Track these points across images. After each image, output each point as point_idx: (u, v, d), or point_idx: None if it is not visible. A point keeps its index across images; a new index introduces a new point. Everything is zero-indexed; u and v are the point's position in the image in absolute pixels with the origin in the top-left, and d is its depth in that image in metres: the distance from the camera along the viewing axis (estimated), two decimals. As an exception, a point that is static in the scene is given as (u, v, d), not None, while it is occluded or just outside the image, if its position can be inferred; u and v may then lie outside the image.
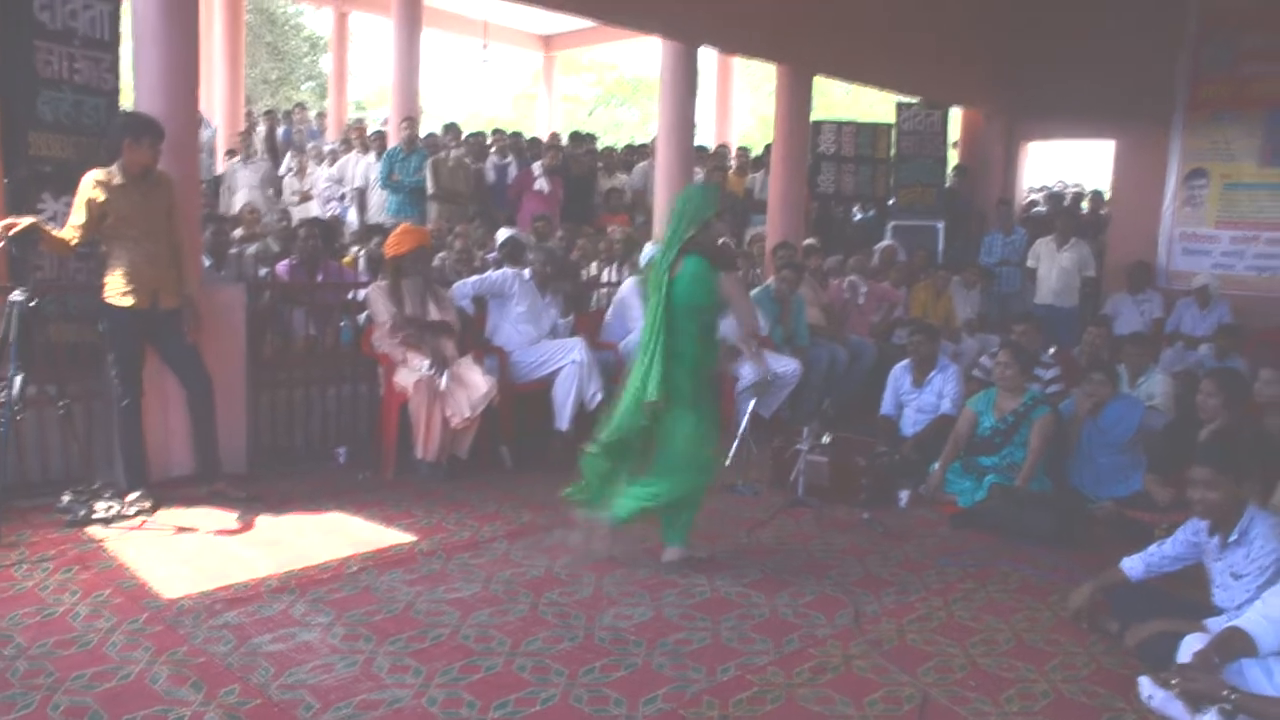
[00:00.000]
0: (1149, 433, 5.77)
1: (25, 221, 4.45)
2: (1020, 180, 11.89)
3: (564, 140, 11.88)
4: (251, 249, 7.38)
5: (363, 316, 6.35)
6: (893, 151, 10.88)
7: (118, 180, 4.69)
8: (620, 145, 13.66)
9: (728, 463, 5.92)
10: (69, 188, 4.80)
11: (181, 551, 4.34)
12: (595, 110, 27.78)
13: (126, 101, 5.55)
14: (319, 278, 6.61)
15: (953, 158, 11.77)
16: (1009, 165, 11.62)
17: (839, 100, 23.34)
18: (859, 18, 9.12)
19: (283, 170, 11.42)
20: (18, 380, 4.36)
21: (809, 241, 8.89)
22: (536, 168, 9.71)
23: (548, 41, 16.58)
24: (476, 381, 5.66)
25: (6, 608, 3.66)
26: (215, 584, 3.96)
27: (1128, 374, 6.54)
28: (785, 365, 6.93)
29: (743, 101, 23.73)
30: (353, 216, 10.03)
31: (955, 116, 11.66)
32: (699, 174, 9.83)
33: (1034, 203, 12.41)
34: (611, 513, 4.34)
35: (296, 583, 4.03)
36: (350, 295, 6.55)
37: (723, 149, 12.70)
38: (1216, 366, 6.81)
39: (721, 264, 4.34)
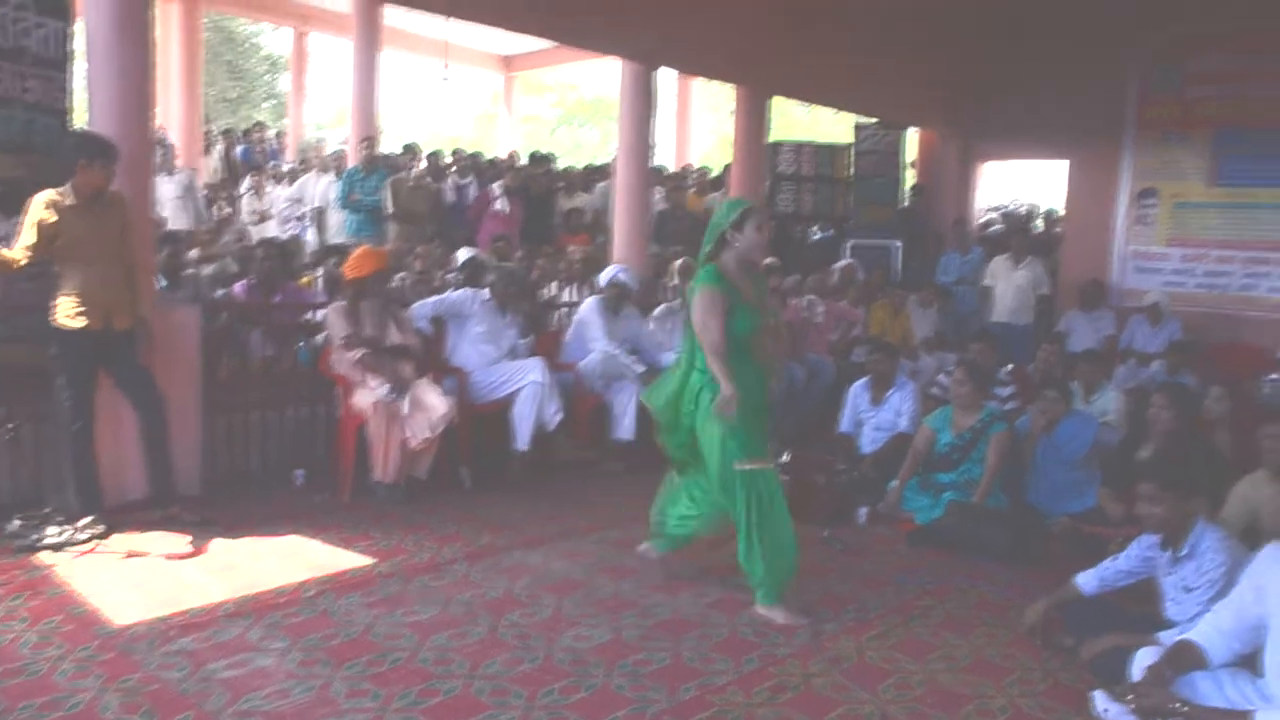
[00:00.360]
0: (1103, 448, 5.85)
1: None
2: (976, 200, 12.04)
3: (523, 160, 11.89)
4: (209, 269, 7.31)
5: (320, 337, 6.30)
6: (851, 171, 10.98)
7: (69, 201, 4.64)
8: (580, 165, 13.69)
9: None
10: (20, 207, 4.73)
11: (134, 577, 4.28)
12: (556, 130, 27.82)
13: (79, 120, 5.49)
14: (276, 298, 6.56)
15: (910, 177, 11.90)
16: (964, 185, 11.77)
17: (799, 120, 23.51)
18: (816, 39, 9.20)
19: (242, 189, 11.33)
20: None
21: (768, 261, 8.92)
22: (496, 188, 9.71)
23: (508, 62, 16.62)
24: (435, 403, 5.63)
25: (-48, 636, 3.59)
26: (168, 609, 3.90)
27: (1081, 391, 6.63)
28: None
29: (703, 121, 23.81)
30: (312, 236, 9.97)
31: (912, 137, 11.80)
32: (658, 194, 9.88)
33: (990, 222, 12.57)
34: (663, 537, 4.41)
35: (252, 607, 3.98)
36: (308, 316, 6.50)
37: (686, 169, 12.76)
38: (1167, 381, 6.91)
39: (731, 276, 4.08)
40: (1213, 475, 4.37)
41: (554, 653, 3.67)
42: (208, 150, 12.92)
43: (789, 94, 10.35)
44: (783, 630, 3.98)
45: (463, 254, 7.93)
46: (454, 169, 10.45)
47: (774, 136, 10.38)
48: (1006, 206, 13.41)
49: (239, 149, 12.83)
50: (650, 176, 8.65)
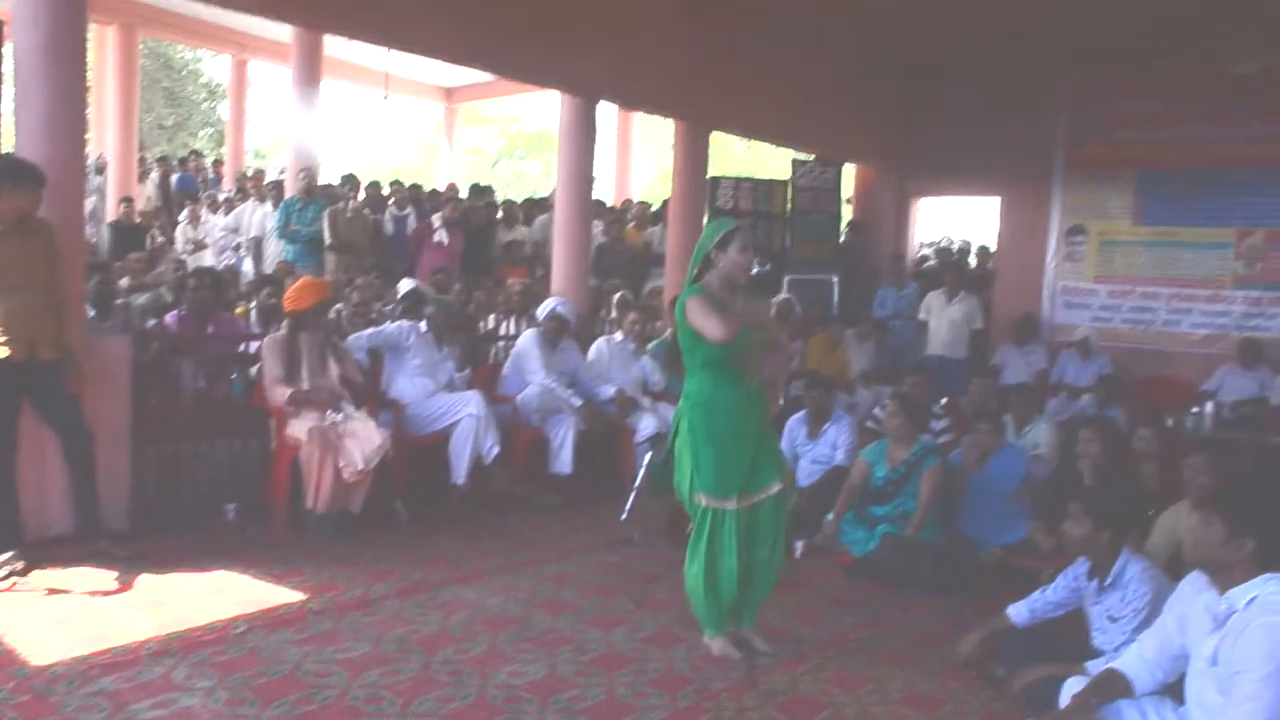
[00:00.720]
0: (1034, 481, 5.94)
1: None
2: (912, 235, 12.25)
3: (463, 192, 11.87)
4: (142, 298, 7.19)
5: (254, 369, 6.22)
6: (789, 207, 11.11)
7: (-8, 227, 4.54)
8: (522, 198, 13.70)
9: (624, 516, 5.92)
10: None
11: (55, 614, 4.16)
12: (499, 162, 27.83)
13: (5, 144, 5.39)
14: (210, 329, 6.46)
15: (847, 213, 12.07)
16: (901, 221, 11.97)
17: (739, 155, 23.78)
18: (755, 76, 9.35)
19: (180, 218, 11.17)
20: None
21: (782, 297, 9.02)
22: (436, 219, 9.68)
23: (449, 94, 16.62)
24: (369, 435, 5.56)
25: None
26: (91, 648, 3.79)
27: (1013, 424, 6.74)
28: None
29: (645, 156, 24.00)
30: (248, 267, 9.85)
31: (850, 173, 11.98)
32: (598, 227, 9.91)
33: (925, 257, 12.78)
34: None
35: (179, 645, 3.88)
36: (242, 347, 6.41)
37: (626, 203, 12.83)
38: (1094, 416, 7.06)
39: (715, 295, 4.00)
40: (1138, 507, 4.47)
41: (487, 689, 3.63)
42: (143, 178, 12.74)
43: (727, 129, 10.46)
44: (718, 664, 3.97)
45: (404, 285, 7.88)
46: (392, 200, 10.40)
47: (713, 172, 10.46)
48: (939, 243, 13.65)
49: (175, 177, 12.66)
50: (590, 210, 8.67)
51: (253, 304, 7.34)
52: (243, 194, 10.83)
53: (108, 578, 4.62)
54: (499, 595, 4.70)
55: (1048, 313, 10.62)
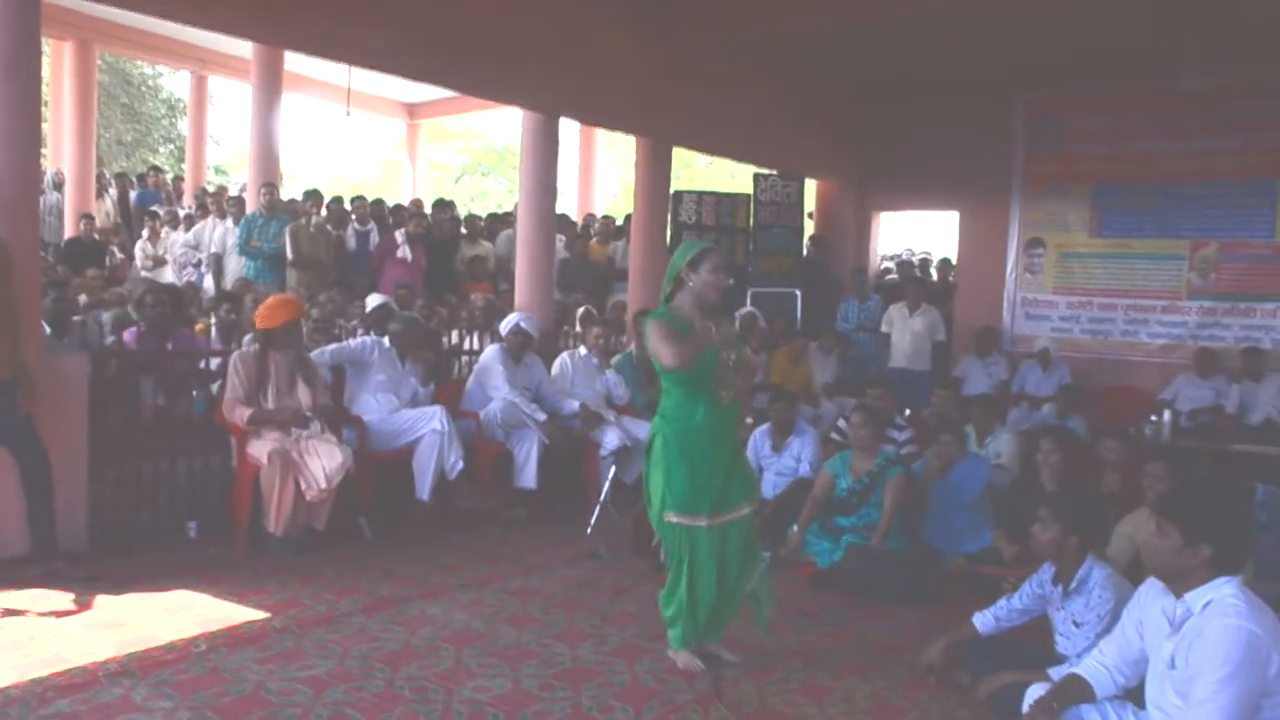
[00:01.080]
0: (996, 490, 6.01)
1: None
2: (874, 249, 12.35)
3: (427, 208, 11.83)
4: (108, 315, 7.12)
5: (215, 386, 6.15)
6: (751, 221, 11.17)
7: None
8: (485, 213, 13.67)
9: (589, 530, 5.92)
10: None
11: (10, 636, 4.09)
12: (462, 178, 27.78)
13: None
14: (169, 346, 6.39)
15: (809, 227, 12.16)
16: (862, 234, 12.08)
17: (702, 171, 23.90)
18: (716, 92, 9.41)
19: (144, 234, 11.05)
20: None
21: (745, 310, 9.04)
22: (399, 235, 9.64)
23: (412, 110, 16.56)
24: (331, 451, 5.52)
25: None
26: (48, 670, 3.73)
27: (975, 434, 6.81)
28: (646, 431, 6.97)
29: (609, 171, 24.06)
30: (209, 283, 9.76)
31: (811, 187, 12.07)
32: (560, 242, 9.91)
33: (887, 270, 12.90)
34: None
35: (138, 665, 3.83)
36: (202, 364, 6.35)
37: (590, 217, 12.85)
38: (1054, 425, 7.14)
39: (684, 315, 4.05)
40: (1099, 514, 4.53)
41: (453, 705, 3.60)
42: (101, 194, 12.59)
43: (689, 145, 10.53)
44: (684, 677, 3.97)
45: (373, 300, 7.86)
46: (354, 216, 10.35)
47: (676, 186, 10.51)
48: (900, 256, 13.78)
49: (135, 193, 12.53)
50: (553, 224, 8.68)
51: (213, 320, 7.26)
52: (203, 210, 10.73)
53: (65, 599, 4.56)
54: (464, 610, 4.68)
55: (1008, 324, 10.75)
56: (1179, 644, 2.79)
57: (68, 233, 11.25)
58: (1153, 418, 7.81)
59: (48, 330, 6.05)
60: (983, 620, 3.97)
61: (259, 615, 4.48)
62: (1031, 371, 9.63)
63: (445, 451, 6.16)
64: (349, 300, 8.32)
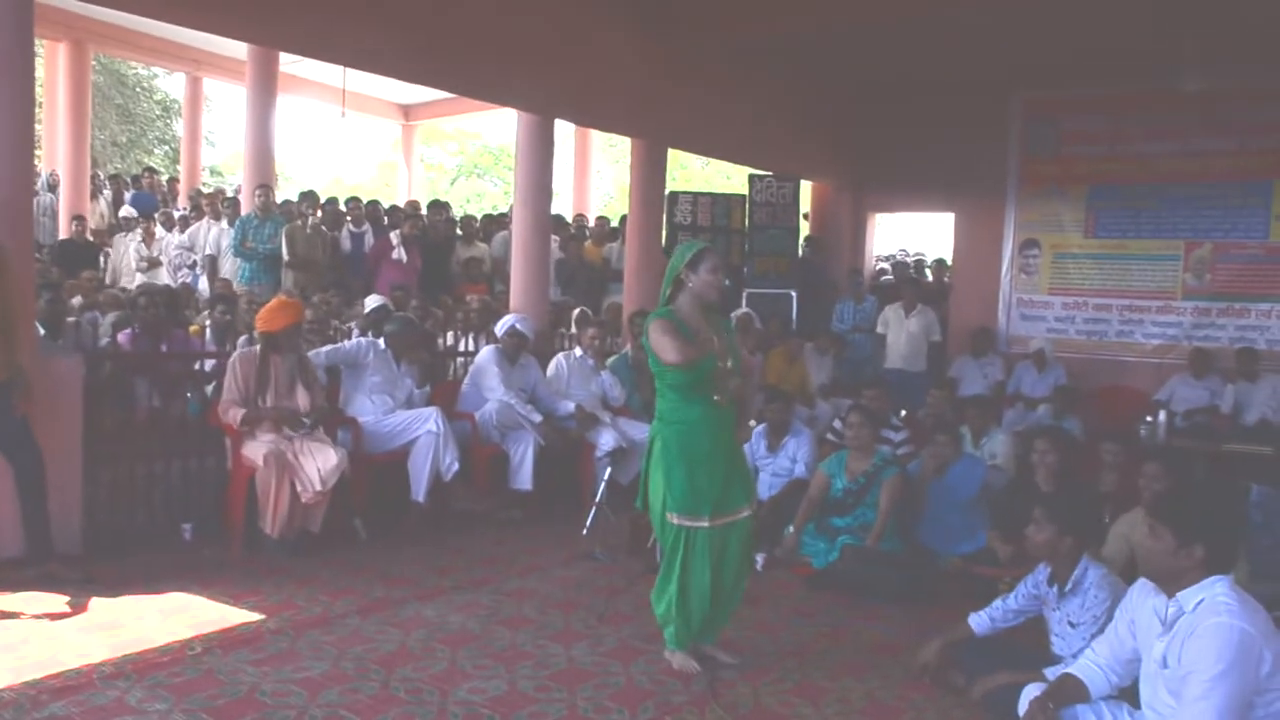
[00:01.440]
0: (991, 491, 6.01)
1: None
2: (869, 250, 12.36)
3: (422, 209, 11.82)
4: (111, 316, 7.11)
5: (210, 387, 6.14)
6: (747, 222, 11.18)
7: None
8: (481, 215, 13.67)
9: (585, 531, 5.92)
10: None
11: (5, 639, 4.08)
12: (457, 180, 27.77)
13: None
14: (163, 347, 6.38)
15: (805, 228, 12.16)
16: (858, 235, 12.09)
17: (698, 171, 23.92)
18: (711, 94, 9.41)
19: (138, 236, 11.03)
20: None
21: (741, 311, 9.03)
22: (394, 236, 9.64)
23: (407, 111, 16.55)
24: (326, 453, 5.52)
25: None
26: (42, 672, 3.72)
27: (971, 435, 6.81)
28: (642, 432, 6.97)
29: (606, 172, 24.10)
30: (204, 285, 9.74)
31: (806, 188, 12.07)
32: (555, 243, 9.91)
33: (883, 271, 12.91)
34: None
35: (133, 668, 3.82)
36: (197, 365, 6.34)
37: (580, 218, 12.85)
38: (1049, 426, 7.15)
39: (684, 316, 4.06)
40: (1093, 514, 4.53)
41: (448, 706, 3.60)
42: (95, 196, 12.57)
43: (684, 146, 10.54)
44: (679, 678, 3.97)
45: (371, 301, 7.85)
46: (349, 217, 10.34)
47: (672, 187, 10.51)
48: (895, 256, 13.79)
49: (130, 194, 12.51)
50: (549, 226, 8.68)
51: (207, 321, 7.25)
52: (198, 211, 10.72)
53: (59, 601, 4.55)
54: (459, 612, 4.67)
55: (1004, 325, 10.77)
56: (1171, 643, 2.80)
57: (62, 234, 11.22)
58: (1148, 418, 7.82)
59: (42, 332, 6.05)
60: (978, 621, 3.97)
61: (254, 617, 4.48)
62: (1027, 372, 9.64)
63: (441, 453, 6.16)
64: (344, 302, 8.31)
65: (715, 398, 4.04)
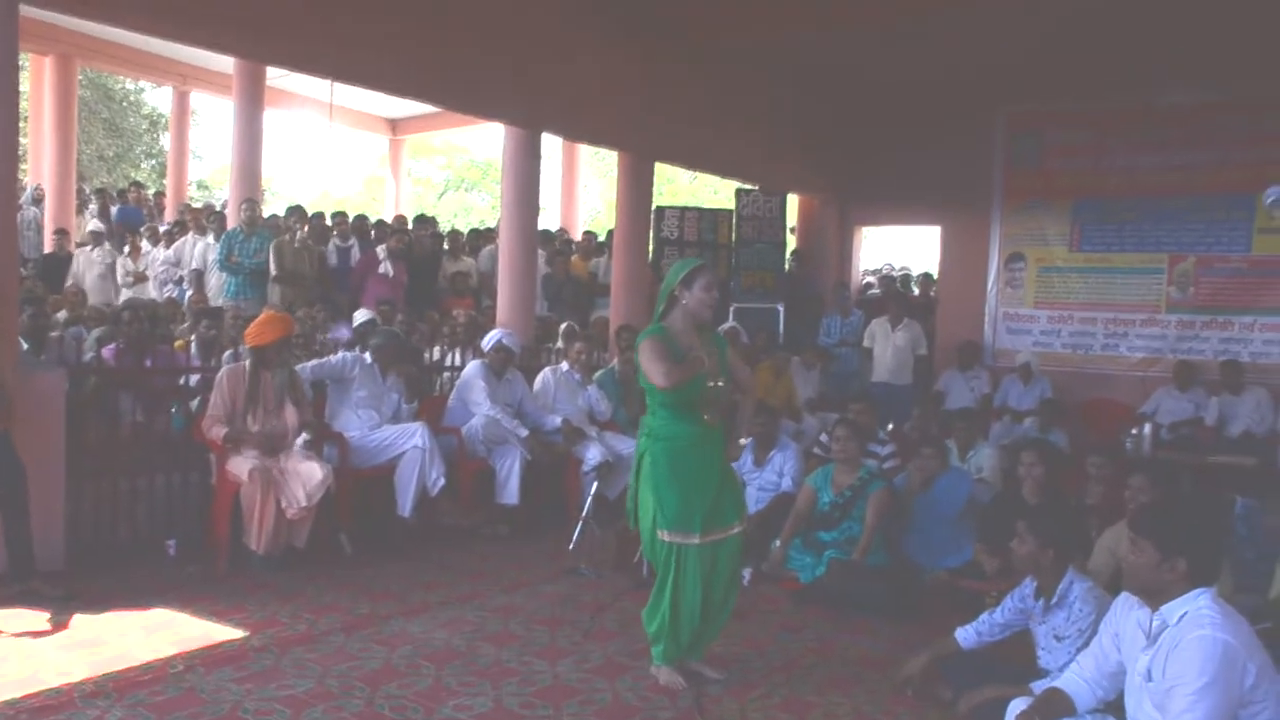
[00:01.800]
0: (977, 504, 6.01)
1: None
2: (856, 263, 12.40)
3: (409, 224, 11.80)
4: (97, 331, 7.08)
5: (194, 402, 6.11)
6: (733, 236, 11.20)
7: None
8: (468, 229, 13.67)
9: (571, 546, 5.90)
10: None
11: (-15, 657, 4.05)
12: (445, 194, 27.76)
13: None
14: (147, 362, 6.35)
15: (791, 242, 12.19)
16: (844, 250, 12.12)
17: (685, 186, 23.97)
18: (698, 107, 9.44)
19: (124, 250, 10.99)
20: None
21: (728, 325, 9.04)
22: (381, 251, 9.63)
23: (394, 125, 16.55)
24: (311, 469, 5.49)
25: None
26: (21, 691, 3.69)
27: (957, 448, 6.83)
28: (629, 447, 6.97)
29: (593, 187, 24.11)
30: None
31: (793, 202, 12.11)
32: (542, 257, 9.91)
33: (869, 285, 12.94)
34: None
35: (114, 686, 3.79)
36: (182, 380, 6.31)
37: (562, 231, 12.85)
38: (1035, 438, 7.17)
39: (676, 334, 4.05)
40: (1076, 527, 4.54)
41: (433, 723, 3.58)
42: (81, 210, 12.52)
43: (670, 160, 10.56)
44: (665, 694, 3.96)
45: (360, 315, 7.84)
46: (335, 231, 10.33)
47: (659, 202, 10.53)
48: (881, 270, 13.84)
49: (116, 209, 12.46)
50: (535, 240, 8.68)
51: (192, 336, 7.22)
52: (183, 226, 10.68)
53: (40, 618, 4.51)
54: (445, 628, 4.65)
55: (989, 338, 10.80)
56: (1155, 656, 2.80)
57: (47, 248, 11.17)
58: (1133, 431, 7.85)
59: (25, 346, 6.01)
60: (965, 635, 3.97)
61: (237, 634, 4.45)
62: (1013, 385, 9.67)
63: (427, 468, 6.14)
64: (330, 316, 8.29)
65: (705, 417, 4.04)
